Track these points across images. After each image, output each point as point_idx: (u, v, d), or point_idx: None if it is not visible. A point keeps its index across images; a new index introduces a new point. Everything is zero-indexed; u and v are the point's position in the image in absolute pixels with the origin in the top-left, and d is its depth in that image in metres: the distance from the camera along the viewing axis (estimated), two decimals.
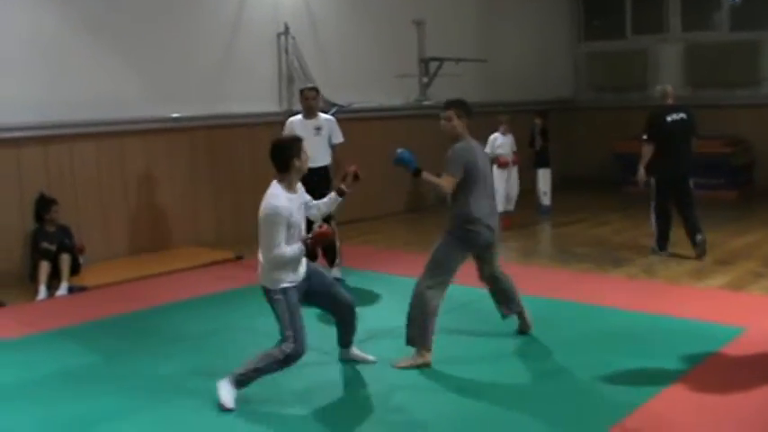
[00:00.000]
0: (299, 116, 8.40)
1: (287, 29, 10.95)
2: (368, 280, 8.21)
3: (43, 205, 8.64)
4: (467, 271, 5.86)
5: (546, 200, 12.21)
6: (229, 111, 10.40)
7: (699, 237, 8.67)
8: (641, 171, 8.84)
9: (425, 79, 12.39)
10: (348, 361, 5.74)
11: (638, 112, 14.70)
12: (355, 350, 5.76)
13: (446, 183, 5.67)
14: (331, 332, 5.75)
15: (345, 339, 5.71)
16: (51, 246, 8.32)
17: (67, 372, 5.74)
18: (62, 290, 8.10)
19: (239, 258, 9.29)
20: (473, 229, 5.74)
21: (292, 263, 5.10)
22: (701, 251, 8.68)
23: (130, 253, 9.61)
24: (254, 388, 5.03)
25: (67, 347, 6.27)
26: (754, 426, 4.56)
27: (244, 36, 10.71)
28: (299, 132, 7.67)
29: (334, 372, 5.59)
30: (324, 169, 8.19)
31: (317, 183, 7.74)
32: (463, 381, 5.31)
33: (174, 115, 9.99)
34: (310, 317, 5.85)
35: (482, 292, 7.12)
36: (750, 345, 5.78)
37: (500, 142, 10.99)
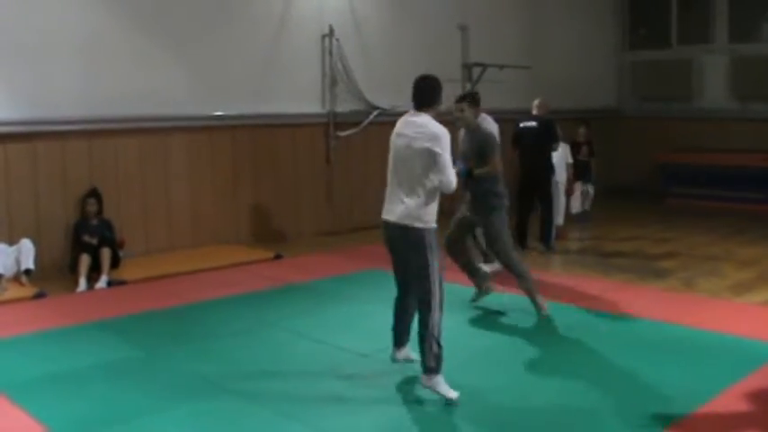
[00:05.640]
0: None
1: (331, 30, 10.97)
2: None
3: (84, 197, 8.77)
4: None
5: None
6: (272, 110, 10.45)
7: None
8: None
9: (468, 84, 12.38)
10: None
11: (683, 122, 14.69)
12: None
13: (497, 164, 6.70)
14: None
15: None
16: (92, 239, 8.41)
17: (104, 364, 5.77)
18: (102, 283, 8.18)
19: (278, 258, 9.32)
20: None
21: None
22: None
23: (170, 249, 9.67)
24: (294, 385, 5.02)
25: (105, 340, 6.33)
26: None
27: (288, 37, 10.75)
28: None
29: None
30: None
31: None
32: (495, 390, 5.25)
33: (218, 113, 10.06)
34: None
35: (520, 299, 7.09)
36: None
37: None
